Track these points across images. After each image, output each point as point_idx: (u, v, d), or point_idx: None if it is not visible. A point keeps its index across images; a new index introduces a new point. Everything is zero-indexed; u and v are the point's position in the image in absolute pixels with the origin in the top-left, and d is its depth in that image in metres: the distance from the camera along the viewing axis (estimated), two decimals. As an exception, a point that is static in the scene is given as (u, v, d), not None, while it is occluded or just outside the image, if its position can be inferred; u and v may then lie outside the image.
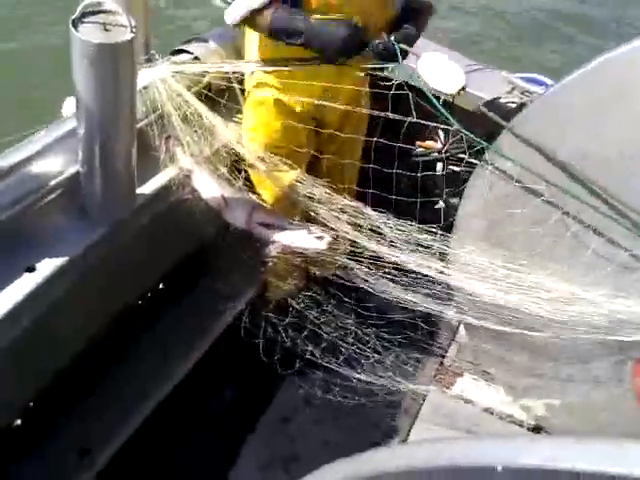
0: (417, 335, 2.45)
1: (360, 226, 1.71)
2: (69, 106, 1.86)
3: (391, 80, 1.74)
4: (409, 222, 1.65)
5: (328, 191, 1.73)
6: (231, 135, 1.87)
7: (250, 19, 1.73)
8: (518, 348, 1.82)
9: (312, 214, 1.90)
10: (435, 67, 1.72)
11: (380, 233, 1.67)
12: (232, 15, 1.74)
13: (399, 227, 1.64)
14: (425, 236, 1.63)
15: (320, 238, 1.72)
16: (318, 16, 1.69)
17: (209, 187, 1.81)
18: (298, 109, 1.93)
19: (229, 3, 1.73)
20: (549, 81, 2.74)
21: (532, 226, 1.65)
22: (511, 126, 1.72)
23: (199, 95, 1.84)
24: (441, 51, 2.46)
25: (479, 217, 1.80)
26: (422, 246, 1.64)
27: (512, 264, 1.56)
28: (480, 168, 1.78)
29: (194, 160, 1.80)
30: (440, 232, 1.65)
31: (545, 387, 1.90)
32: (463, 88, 1.71)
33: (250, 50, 1.93)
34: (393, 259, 1.66)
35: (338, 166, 2.10)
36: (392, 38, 1.68)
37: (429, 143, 2.63)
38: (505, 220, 1.72)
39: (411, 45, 1.74)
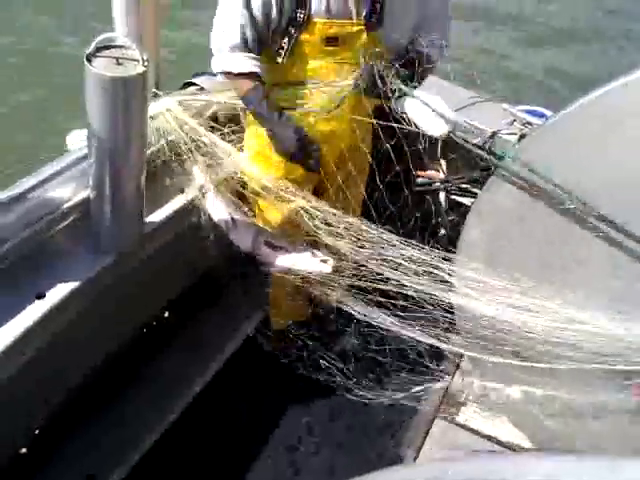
0: (420, 363, 2.46)
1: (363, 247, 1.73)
2: (73, 139, 1.91)
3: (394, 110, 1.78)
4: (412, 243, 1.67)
5: (333, 211, 1.75)
6: (235, 163, 1.90)
7: (227, 76, 1.79)
8: (523, 375, 1.82)
9: (316, 239, 1.93)
10: (424, 107, 1.71)
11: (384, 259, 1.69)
12: (214, 65, 1.80)
13: (403, 243, 1.66)
14: (428, 257, 1.64)
15: (325, 262, 1.74)
16: (287, 107, 1.79)
17: (217, 209, 1.84)
18: None
19: None
20: (549, 113, 2.80)
21: (534, 253, 1.67)
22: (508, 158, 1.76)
23: (205, 125, 1.89)
24: (441, 84, 2.53)
25: (480, 246, 1.82)
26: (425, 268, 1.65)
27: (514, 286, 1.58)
28: (483, 195, 1.80)
29: (207, 181, 1.84)
30: (443, 253, 1.66)
31: (549, 415, 1.90)
32: (450, 132, 1.73)
33: None
34: (395, 281, 1.67)
35: (341, 198, 2.12)
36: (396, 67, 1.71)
37: (431, 173, 2.67)
38: (506, 247, 1.74)
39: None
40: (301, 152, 1.76)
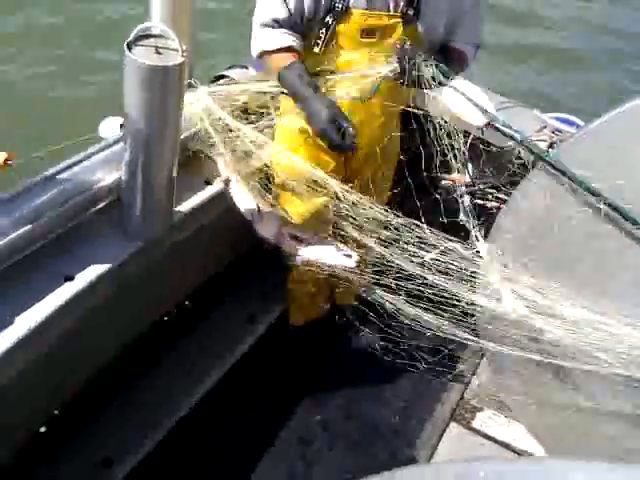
0: (438, 368, 2.45)
1: (387, 241, 1.73)
2: (106, 127, 1.93)
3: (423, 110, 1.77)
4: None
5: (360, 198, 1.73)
6: (263, 154, 1.90)
7: (264, 58, 1.80)
8: (545, 383, 1.81)
9: (341, 233, 1.93)
10: (462, 97, 1.71)
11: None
12: (253, 49, 1.82)
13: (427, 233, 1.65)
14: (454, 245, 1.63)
15: (349, 256, 1.74)
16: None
17: (243, 199, 1.84)
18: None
19: None
20: (580, 122, 2.77)
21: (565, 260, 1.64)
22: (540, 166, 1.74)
23: (235, 117, 1.89)
24: (472, 87, 2.52)
25: (510, 248, 1.79)
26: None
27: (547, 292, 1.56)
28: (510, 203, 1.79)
29: (231, 172, 1.85)
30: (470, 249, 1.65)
31: (566, 423, 1.89)
32: (490, 123, 1.70)
33: None
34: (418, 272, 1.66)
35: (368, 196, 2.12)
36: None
37: (457, 176, 2.66)
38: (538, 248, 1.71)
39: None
40: (333, 128, 1.69)
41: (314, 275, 2.26)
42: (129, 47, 1.43)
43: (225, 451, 2.05)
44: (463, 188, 2.62)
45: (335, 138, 1.70)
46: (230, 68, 2.16)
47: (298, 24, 1.77)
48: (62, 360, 1.68)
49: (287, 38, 1.75)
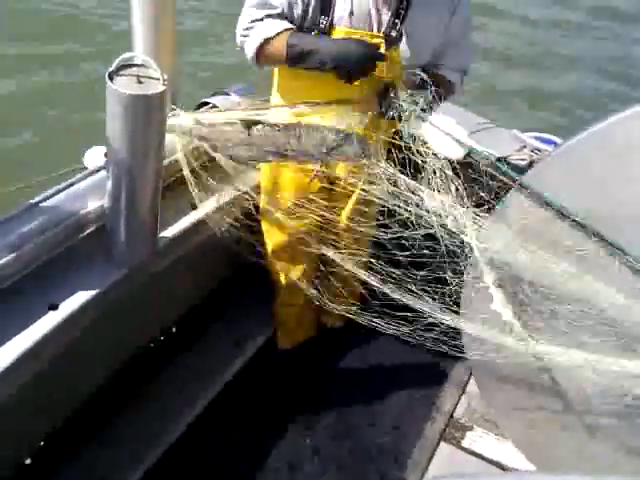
0: (426, 387, 2.46)
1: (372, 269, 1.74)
2: (91, 156, 1.94)
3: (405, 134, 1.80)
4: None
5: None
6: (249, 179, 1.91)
7: (266, 49, 1.75)
8: (530, 400, 1.82)
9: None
10: (440, 131, 1.74)
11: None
12: (249, 49, 1.78)
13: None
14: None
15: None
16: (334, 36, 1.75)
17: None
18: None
19: None
20: (559, 140, 2.82)
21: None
22: (521, 183, 1.77)
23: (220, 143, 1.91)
24: (452, 109, 2.56)
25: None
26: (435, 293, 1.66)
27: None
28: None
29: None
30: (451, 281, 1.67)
31: (556, 441, 1.89)
32: (469, 153, 1.74)
33: (272, 91, 1.98)
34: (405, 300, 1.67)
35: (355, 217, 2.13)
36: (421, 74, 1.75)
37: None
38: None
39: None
40: (366, 57, 1.65)
41: (299, 297, 2.29)
42: (110, 77, 1.46)
43: (215, 476, 2.03)
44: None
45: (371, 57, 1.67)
46: (213, 95, 2.19)
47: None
48: (48, 389, 1.67)
49: (280, 23, 1.74)
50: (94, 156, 1.93)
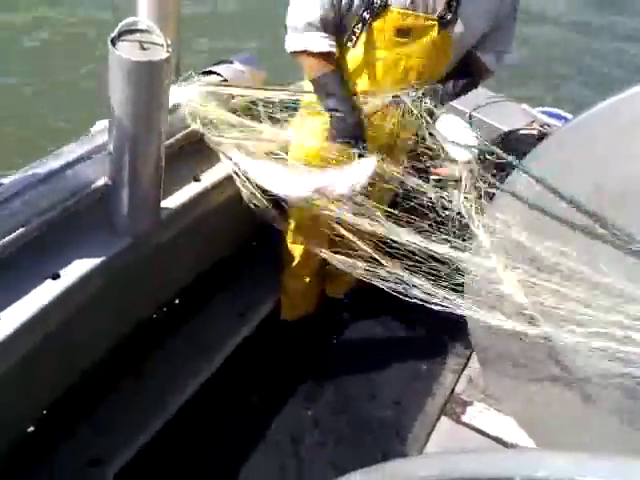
0: (428, 362, 2.46)
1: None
2: (98, 129, 1.91)
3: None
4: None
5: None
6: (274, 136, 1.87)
7: (301, 57, 1.79)
8: (531, 375, 1.82)
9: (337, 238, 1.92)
10: (450, 131, 1.71)
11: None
12: (290, 43, 1.79)
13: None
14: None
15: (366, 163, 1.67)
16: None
17: (265, 172, 1.79)
18: None
19: None
20: (569, 115, 2.78)
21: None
22: (529, 159, 1.75)
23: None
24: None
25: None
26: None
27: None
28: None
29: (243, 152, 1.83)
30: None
31: (556, 417, 1.89)
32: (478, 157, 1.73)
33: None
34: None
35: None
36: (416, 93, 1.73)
37: (444, 170, 2.66)
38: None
39: (441, 102, 1.79)
40: (351, 139, 1.73)
41: (310, 269, 2.27)
42: (113, 42, 1.42)
43: (216, 448, 2.04)
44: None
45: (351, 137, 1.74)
46: (217, 64, 2.15)
47: (330, 23, 1.74)
48: (50, 359, 1.67)
49: (326, 42, 1.74)
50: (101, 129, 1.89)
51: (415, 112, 1.71)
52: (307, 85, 1.90)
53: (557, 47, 6.88)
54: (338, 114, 1.75)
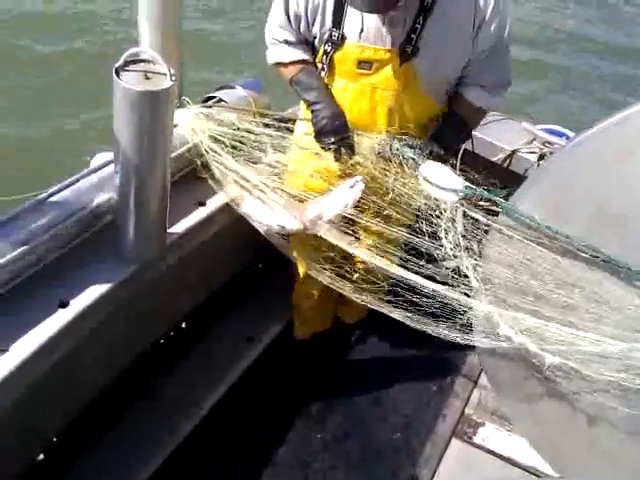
0: (438, 383, 2.44)
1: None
2: (98, 162, 1.91)
3: None
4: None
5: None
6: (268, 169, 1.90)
7: (279, 69, 1.88)
8: (546, 398, 1.80)
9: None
10: (435, 176, 1.69)
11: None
12: (268, 57, 1.90)
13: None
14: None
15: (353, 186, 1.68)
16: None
17: (262, 211, 1.83)
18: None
19: None
20: (570, 133, 2.79)
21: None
22: (532, 178, 1.75)
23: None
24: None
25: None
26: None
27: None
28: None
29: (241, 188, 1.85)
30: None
31: (569, 439, 1.87)
32: (465, 196, 1.71)
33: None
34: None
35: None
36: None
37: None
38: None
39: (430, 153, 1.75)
40: (334, 134, 1.76)
41: (318, 286, 2.26)
42: (117, 73, 1.45)
43: (226, 472, 2.03)
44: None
45: (334, 147, 1.77)
46: (219, 89, 2.17)
47: (296, 39, 1.83)
48: (58, 386, 1.67)
49: (296, 51, 1.83)
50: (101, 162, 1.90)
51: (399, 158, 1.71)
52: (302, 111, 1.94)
53: (555, 64, 6.93)
54: (318, 106, 1.78)
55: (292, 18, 1.78)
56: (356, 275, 1.90)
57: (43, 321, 1.50)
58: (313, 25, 1.75)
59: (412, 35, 1.69)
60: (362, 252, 1.78)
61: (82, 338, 1.60)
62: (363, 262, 1.86)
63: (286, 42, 1.83)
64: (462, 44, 1.73)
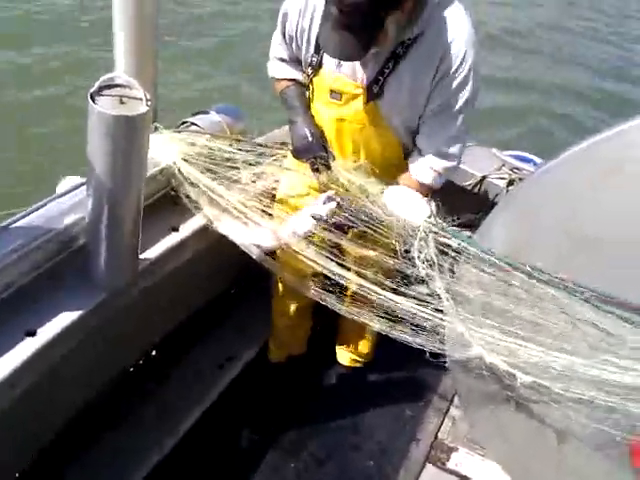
0: (412, 407, 2.44)
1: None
2: (64, 187, 1.88)
3: None
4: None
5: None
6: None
7: (273, 83, 1.98)
8: (516, 420, 1.81)
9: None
10: (400, 200, 1.67)
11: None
12: (268, 70, 1.98)
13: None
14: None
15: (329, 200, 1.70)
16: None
17: (238, 230, 1.84)
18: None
19: None
20: (537, 159, 2.87)
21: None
22: (502, 204, 1.78)
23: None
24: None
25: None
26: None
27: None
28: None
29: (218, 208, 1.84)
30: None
31: (540, 462, 1.88)
32: (430, 216, 1.69)
33: None
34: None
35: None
36: None
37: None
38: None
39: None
40: (308, 153, 1.81)
41: (296, 304, 2.24)
42: (92, 98, 1.43)
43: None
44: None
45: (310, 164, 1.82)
46: (194, 115, 2.17)
47: (293, 56, 1.89)
48: (25, 417, 1.61)
49: (288, 70, 1.91)
50: (67, 187, 1.86)
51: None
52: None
53: (520, 87, 7.12)
54: (295, 125, 1.84)
55: (287, 38, 1.84)
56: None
57: (8, 351, 1.45)
58: (301, 47, 1.80)
59: (379, 77, 1.70)
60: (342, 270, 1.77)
61: (49, 368, 1.55)
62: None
63: (281, 59, 1.91)
64: (418, 96, 1.69)
